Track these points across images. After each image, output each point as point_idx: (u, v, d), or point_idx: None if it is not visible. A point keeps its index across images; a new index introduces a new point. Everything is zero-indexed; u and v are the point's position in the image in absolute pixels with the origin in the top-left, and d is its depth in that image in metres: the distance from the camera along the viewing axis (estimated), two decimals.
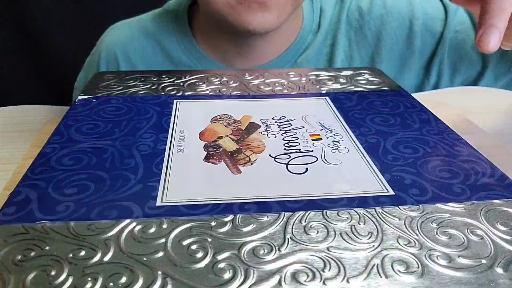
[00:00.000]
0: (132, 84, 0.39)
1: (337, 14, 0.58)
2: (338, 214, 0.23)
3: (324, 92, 0.38)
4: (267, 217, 0.22)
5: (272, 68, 0.57)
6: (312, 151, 0.29)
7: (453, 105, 0.45)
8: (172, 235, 0.21)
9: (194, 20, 0.58)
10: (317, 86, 0.40)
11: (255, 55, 0.57)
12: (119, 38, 0.60)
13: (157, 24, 0.59)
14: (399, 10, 0.57)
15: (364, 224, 0.22)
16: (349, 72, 0.43)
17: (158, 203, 0.23)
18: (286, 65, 0.57)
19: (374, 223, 0.22)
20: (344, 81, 0.41)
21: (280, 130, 0.32)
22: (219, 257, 0.20)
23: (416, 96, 0.41)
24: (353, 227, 0.22)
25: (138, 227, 0.21)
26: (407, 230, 0.22)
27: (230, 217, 0.22)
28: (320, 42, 0.57)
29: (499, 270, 0.19)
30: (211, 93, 0.38)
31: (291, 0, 0.48)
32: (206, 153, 0.28)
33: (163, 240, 0.20)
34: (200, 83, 0.40)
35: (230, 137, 0.30)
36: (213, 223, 0.22)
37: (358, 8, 0.57)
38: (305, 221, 0.22)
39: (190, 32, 0.57)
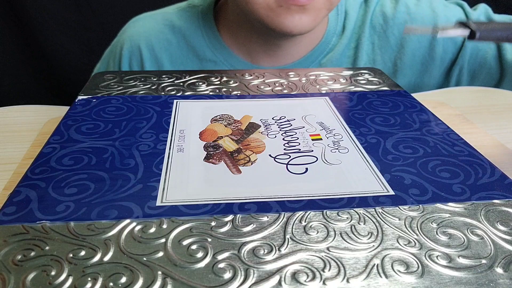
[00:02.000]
0: (132, 84, 0.39)
1: (361, 17, 0.59)
2: (338, 214, 0.23)
3: (324, 92, 0.38)
4: (267, 217, 0.22)
5: (297, 68, 0.57)
6: (312, 151, 0.29)
7: (453, 105, 0.45)
8: (172, 235, 0.21)
9: (219, 16, 0.59)
10: (317, 86, 0.40)
11: (281, 55, 0.57)
12: (143, 29, 0.60)
13: (182, 18, 0.59)
14: (422, 18, 0.58)
15: (364, 224, 0.22)
16: (349, 72, 0.43)
17: (158, 203, 0.23)
18: (310, 65, 0.58)
19: (374, 223, 0.22)
20: (344, 81, 0.41)
21: (280, 130, 0.32)
22: (219, 257, 0.20)
23: (416, 96, 0.41)
24: (353, 227, 0.22)
25: (138, 227, 0.21)
26: (407, 230, 0.22)
27: (230, 217, 0.22)
28: (344, 45, 0.58)
29: (499, 270, 0.19)
30: (211, 93, 0.38)
31: (327, 5, 0.49)
32: (206, 153, 0.28)
33: (163, 240, 0.20)
34: (200, 83, 0.40)
35: (230, 137, 0.30)
36: (213, 223, 0.22)
37: (382, 13, 0.58)
38: (305, 221, 0.22)
39: (215, 28, 0.58)
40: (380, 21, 0.58)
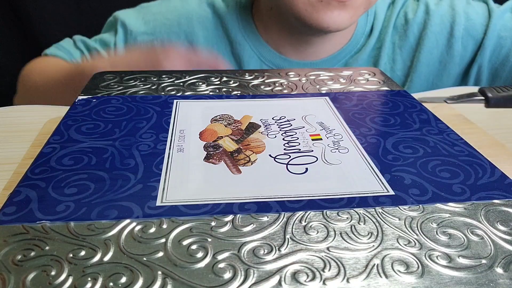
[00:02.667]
0: (132, 84, 0.39)
1: (387, 18, 0.59)
2: (338, 214, 0.23)
3: (324, 92, 0.38)
4: (267, 217, 0.22)
5: (324, 65, 0.59)
6: (312, 151, 0.29)
7: (453, 105, 0.45)
8: (172, 235, 0.21)
9: (254, 6, 0.60)
10: (317, 86, 0.40)
11: (309, 52, 0.58)
12: (187, 3, 0.61)
13: (223, 2, 0.60)
14: (441, 15, 0.57)
15: (364, 224, 0.22)
16: (349, 72, 0.43)
17: (158, 203, 0.23)
18: (336, 64, 0.59)
19: (374, 223, 0.22)
20: (344, 81, 0.41)
21: (280, 130, 0.32)
22: (219, 257, 0.20)
23: (416, 96, 0.41)
24: (353, 227, 0.22)
25: (138, 227, 0.21)
26: (407, 230, 0.22)
27: (230, 217, 0.22)
28: (372, 45, 0.58)
29: (499, 270, 0.19)
30: (211, 93, 0.38)
31: (366, 3, 0.49)
32: (206, 153, 0.28)
33: (163, 240, 0.20)
34: (200, 83, 0.40)
35: (230, 137, 0.30)
36: (213, 223, 0.22)
37: (405, 14, 0.59)
38: (305, 221, 0.22)
39: (251, 15, 0.59)
40: (402, 22, 0.58)
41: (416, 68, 0.58)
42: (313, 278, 0.19)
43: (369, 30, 0.59)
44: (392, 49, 0.59)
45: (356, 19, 0.51)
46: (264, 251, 0.20)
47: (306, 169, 0.27)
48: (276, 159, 0.28)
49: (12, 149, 0.39)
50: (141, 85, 0.39)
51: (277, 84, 0.40)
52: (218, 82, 0.40)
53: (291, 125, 0.32)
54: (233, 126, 0.32)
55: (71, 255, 0.19)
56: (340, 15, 0.49)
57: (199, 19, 0.59)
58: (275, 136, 0.31)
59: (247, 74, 0.42)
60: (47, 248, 0.20)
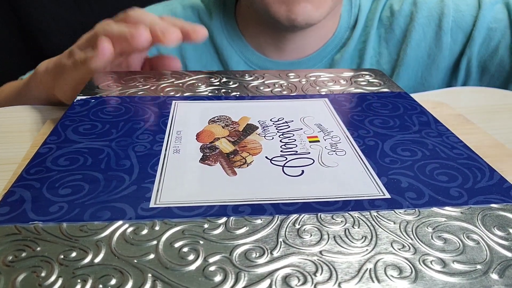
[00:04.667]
0: (132, 84, 0.39)
1: (373, 11, 0.58)
2: (332, 217, 0.22)
3: (323, 93, 0.38)
4: (261, 220, 0.22)
5: (310, 62, 0.58)
6: (309, 153, 0.29)
7: (453, 105, 0.45)
8: (164, 237, 0.21)
9: (237, 9, 0.60)
10: (317, 88, 0.39)
11: (292, 49, 0.58)
12: (171, 10, 0.62)
13: (206, 9, 0.61)
14: (429, 7, 0.56)
15: (358, 227, 0.22)
16: (350, 74, 0.43)
17: (152, 205, 0.23)
18: (323, 60, 0.58)
19: (368, 226, 0.22)
20: (344, 82, 0.41)
21: (277, 131, 0.31)
22: (210, 260, 0.19)
23: (416, 96, 0.41)
24: (347, 230, 0.21)
25: (130, 228, 0.21)
26: (402, 234, 0.21)
27: (223, 220, 0.22)
28: (356, 39, 0.57)
29: (494, 276, 0.19)
30: (210, 94, 0.38)
31: None
32: (202, 154, 0.28)
33: (154, 242, 0.20)
34: (199, 84, 0.39)
35: (227, 139, 0.30)
36: (206, 225, 0.22)
37: (391, 6, 0.58)
38: (298, 224, 0.22)
39: (235, 21, 0.59)
40: (387, 14, 0.58)
41: (403, 62, 0.57)
42: (305, 282, 0.18)
43: (353, 23, 0.58)
44: (378, 42, 0.58)
45: (325, 12, 0.51)
46: (256, 254, 0.20)
47: (302, 171, 0.27)
48: (272, 161, 0.28)
49: (12, 149, 0.39)
50: (140, 86, 0.39)
51: (276, 86, 0.40)
52: (218, 83, 0.40)
53: (289, 126, 0.32)
54: (231, 127, 0.32)
55: (62, 256, 0.19)
56: (306, 7, 0.49)
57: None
58: (272, 138, 0.30)
59: (246, 75, 0.42)
60: (38, 249, 0.20)
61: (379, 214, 0.23)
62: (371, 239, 0.21)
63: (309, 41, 0.57)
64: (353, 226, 0.22)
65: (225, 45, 0.59)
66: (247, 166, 0.27)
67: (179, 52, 0.60)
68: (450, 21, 0.55)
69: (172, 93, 0.37)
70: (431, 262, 0.20)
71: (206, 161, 0.27)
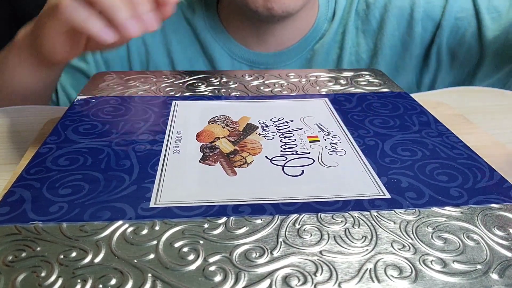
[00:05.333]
0: (132, 84, 0.39)
1: (349, 3, 0.61)
2: (332, 217, 0.22)
3: (323, 93, 0.38)
4: (261, 220, 0.22)
5: (291, 53, 0.60)
6: (309, 153, 0.29)
7: (453, 105, 0.45)
8: (164, 237, 0.21)
9: (219, 2, 0.61)
10: (317, 88, 0.39)
11: (273, 41, 0.59)
12: None
13: (187, 3, 0.61)
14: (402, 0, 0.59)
15: (358, 227, 0.22)
16: (350, 73, 0.43)
17: (152, 205, 0.23)
18: (303, 51, 0.60)
19: (368, 226, 0.22)
20: (344, 82, 0.41)
21: (277, 131, 0.31)
22: (211, 260, 0.19)
23: (416, 96, 0.41)
24: (347, 230, 0.21)
25: (130, 228, 0.21)
26: (402, 234, 0.21)
27: (223, 219, 0.22)
28: (335, 30, 0.60)
29: (494, 276, 0.19)
30: (210, 94, 0.38)
31: None
32: (202, 154, 0.28)
33: (154, 242, 0.20)
34: (200, 84, 0.39)
35: (227, 139, 0.30)
36: (206, 225, 0.22)
37: (366, 0, 0.60)
38: (298, 224, 0.22)
39: (217, 14, 0.60)
40: (363, 7, 0.60)
41: (381, 51, 0.59)
42: (305, 282, 0.18)
43: (331, 15, 0.61)
44: (355, 33, 0.60)
45: (302, 1, 0.53)
46: (256, 254, 0.20)
47: (302, 171, 0.27)
48: (272, 161, 0.28)
49: (12, 149, 0.39)
50: (140, 86, 0.39)
51: (276, 85, 0.40)
52: (218, 83, 0.40)
53: (289, 126, 0.32)
54: (231, 127, 0.32)
55: (62, 256, 0.19)
56: None
57: (169, 22, 0.60)
58: (273, 138, 0.30)
59: (247, 75, 0.42)
60: (38, 249, 0.20)
61: (379, 214, 0.23)
62: (371, 239, 0.21)
63: (289, 33, 0.59)
64: (353, 226, 0.22)
65: (209, 38, 0.60)
66: (247, 166, 0.27)
67: (165, 46, 0.61)
68: (421, 11, 0.58)
69: (172, 93, 0.37)
70: (431, 262, 0.20)
71: (206, 161, 0.27)
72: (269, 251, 0.20)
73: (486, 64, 0.57)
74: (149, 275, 0.18)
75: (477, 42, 0.56)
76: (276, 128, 0.32)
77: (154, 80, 0.40)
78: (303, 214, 0.22)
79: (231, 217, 0.22)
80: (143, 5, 0.35)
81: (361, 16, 0.60)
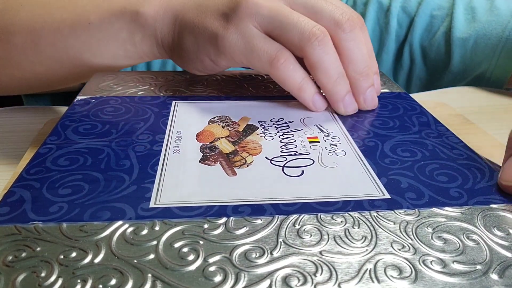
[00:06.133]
0: (132, 84, 0.39)
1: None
2: (332, 218, 0.22)
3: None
4: (261, 220, 0.22)
5: None
6: (309, 153, 0.29)
7: (453, 105, 0.45)
8: (163, 238, 0.21)
9: None
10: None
11: None
12: None
13: None
14: None
15: (358, 228, 0.22)
16: None
17: (152, 205, 0.23)
18: None
19: (368, 227, 0.22)
20: None
21: (277, 132, 0.31)
22: (210, 260, 0.19)
23: (416, 96, 0.41)
24: (347, 230, 0.21)
25: (130, 229, 0.21)
26: (402, 234, 0.21)
27: (223, 220, 0.22)
28: None
29: (494, 276, 0.19)
30: (210, 94, 0.38)
31: None
32: (202, 154, 0.28)
33: (154, 242, 0.20)
34: (200, 84, 0.39)
35: (227, 139, 0.30)
36: (206, 226, 0.22)
37: None
38: (298, 224, 0.22)
39: None
40: (351, 4, 0.61)
41: None
42: (305, 283, 0.18)
43: None
44: None
45: None
46: (256, 255, 0.20)
47: (302, 171, 0.27)
48: (272, 161, 0.28)
49: (12, 149, 0.39)
50: (141, 86, 0.39)
51: (277, 86, 0.40)
52: (218, 83, 0.40)
53: (289, 127, 0.32)
54: (231, 127, 0.32)
55: (62, 257, 0.19)
56: None
57: None
58: (272, 138, 0.30)
59: (247, 75, 0.42)
60: (38, 249, 0.20)
61: (379, 215, 0.23)
62: (371, 239, 0.21)
63: None
64: (353, 227, 0.22)
65: None
66: (247, 166, 0.27)
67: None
68: (398, 6, 0.58)
69: (172, 93, 0.37)
70: (431, 262, 0.20)
71: (206, 161, 0.27)
72: (269, 251, 0.20)
73: (453, 67, 0.55)
74: (149, 275, 0.18)
75: (445, 41, 0.55)
76: (276, 129, 0.32)
77: (154, 80, 0.40)
78: (303, 215, 0.22)
79: (231, 218, 0.22)
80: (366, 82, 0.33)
81: None
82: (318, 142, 0.30)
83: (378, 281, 0.19)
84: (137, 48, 0.40)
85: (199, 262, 0.19)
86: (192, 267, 0.19)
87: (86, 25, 0.39)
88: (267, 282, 0.18)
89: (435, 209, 0.23)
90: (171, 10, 0.37)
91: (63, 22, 0.39)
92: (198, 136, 0.30)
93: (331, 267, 0.19)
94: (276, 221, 0.22)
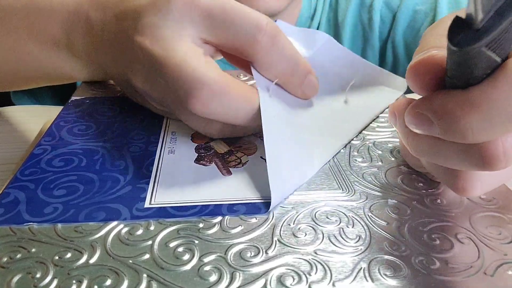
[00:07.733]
0: None
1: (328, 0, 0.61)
2: (327, 217, 0.22)
3: None
4: (256, 219, 0.22)
5: None
6: None
7: None
8: (159, 237, 0.21)
9: None
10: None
11: None
12: None
13: None
14: None
15: (352, 227, 0.22)
16: None
17: (147, 205, 0.23)
18: None
19: (362, 226, 0.22)
20: None
21: None
22: (206, 260, 0.19)
23: (416, 96, 0.41)
24: (341, 229, 0.22)
25: (125, 229, 0.21)
26: (396, 233, 0.21)
27: (218, 219, 0.22)
28: (315, 27, 0.60)
29: (486, 275, 0.19)
30: None
31: None
32: (197, 154, 0.28)
33: (149, 242, 0.20)
34: None
35: (222, 139, 0.30)
36: (201, 225, 0.22)
37: None
38: (293, 223, 0.22)
39: None
40: (333, 0, 0.61)
41: (343, 44, 0.58)
42: (299, 281, 0.19)
43: (313, 12, 0.60)
44: (328, 26, 0.60)
45: (286, 3, 0.52)
46: (251, 254, 0.20)
47: None
48: None
49: (11, 149, 0.39)
50: None
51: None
52: None
53: None
54: None
55: (57, 258, 0.19)
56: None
57: None
58: None
59: (241, 75, 0.42)
60: (33, 250, 0.20)
61: (373, 214, 0.23)
62: (365, 238, 0.21)
63: None
64: (347, 226, 0.22)
65: None
66: (242, 166, 0.27)
67: None
68: (381, 1, 0.57)
69: None
70: (424, 261, 0.20)
71: (201, 162, 0.27)
72: (264, 250, 0.20)
73: None
74: (144, 275, 0.19)
75: None
76: None
77: None
78: (298, 213, 0.23)
79: (226, 216, 0.22)
80: None
81: (333, 8, 0.60)
82: None
83: (372, 280, 0.19)
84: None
85: (194, 261, 0.19)
86: (187, 267, 0.19)
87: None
88: (262, 281, 0.18)
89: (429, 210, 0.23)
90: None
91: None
92: (193, 137, 0.30)
93: (325, 266, 0.19)
94: (271, 220, 0.22)
